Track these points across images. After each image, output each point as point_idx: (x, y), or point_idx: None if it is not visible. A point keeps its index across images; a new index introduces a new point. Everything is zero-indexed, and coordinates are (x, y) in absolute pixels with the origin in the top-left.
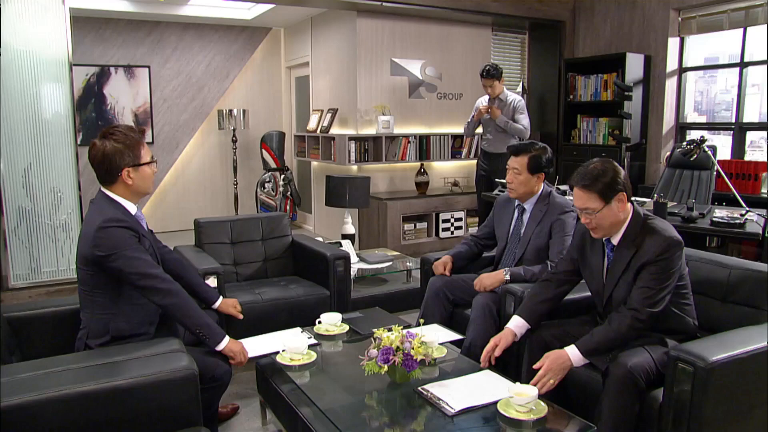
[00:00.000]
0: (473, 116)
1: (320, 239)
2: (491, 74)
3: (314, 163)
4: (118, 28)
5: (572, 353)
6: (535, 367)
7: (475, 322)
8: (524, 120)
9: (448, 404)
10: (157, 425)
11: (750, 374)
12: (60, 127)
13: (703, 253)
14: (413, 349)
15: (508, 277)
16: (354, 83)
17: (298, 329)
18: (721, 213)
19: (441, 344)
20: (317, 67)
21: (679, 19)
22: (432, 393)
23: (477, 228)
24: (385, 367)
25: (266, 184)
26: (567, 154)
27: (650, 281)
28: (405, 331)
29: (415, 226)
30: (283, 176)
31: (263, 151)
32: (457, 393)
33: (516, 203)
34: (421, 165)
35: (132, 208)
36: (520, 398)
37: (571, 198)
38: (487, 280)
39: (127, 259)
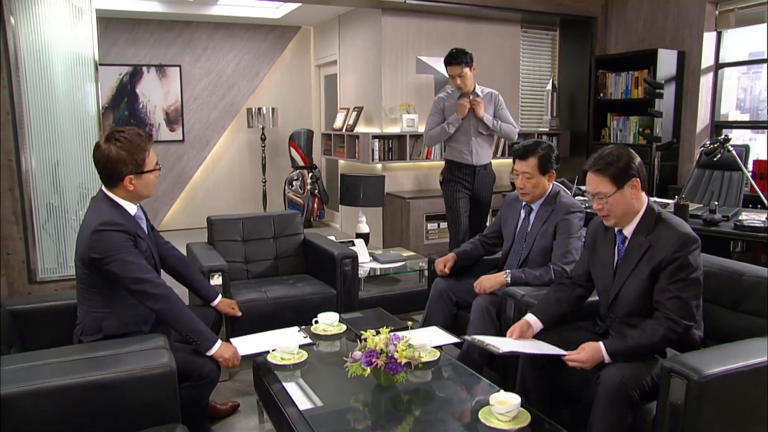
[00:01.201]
0: (449, 123)
1: (332, 238)
2: (459, 59)
3: (341, 162)
4: (150, 29)
5: (604, 350)
6: (571, 356)
7: (474, 324)
8: (511, 118)
9: (494, 346)
10: (135, 420)
11: (751, 389)
12: (87, 126)
13: (713, 258)
14: (397, 352)
15: (508, 279)
16: (379, 81)
17: (296, 328)
18: (746, 216)
19: (437, 347)
20: (344, 65)
21: (716, 12)
22: (478, 338)
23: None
24: (368, 370)
25: (294, 182)
26: None
27: (678, 289)
28: (391, 333)
29: (438, 226)
30: (310, 174)
31: (291, 149)
32: (506, 342)
33: (523, 203)
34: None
35: (132, 209)
36: (501, 407)
37: (583, 199)
38: (486, 282)
39: (121, 263)
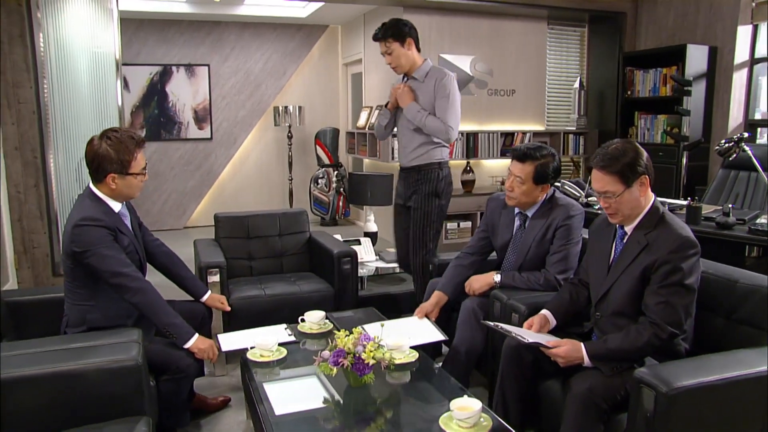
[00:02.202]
0: (380, 114)
1: (339, 236)
2: (383, 32)
3: (366, 160)
4: (180, 29)
5: (584, 352)
6: (551, 343)
7: (461, 327)
8: (450, 112)
9: (521, 336)
10: (102, 410)
11: (725, 404)
12: (110, 123)
13: (708, 263)
14: (365, 353)
15: (497, 279)
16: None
17: (283, 326)
18: (765, 220)
19: (417, 347)
20: (369, 63)
21: (753, 4)
22: (502, 326)
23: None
24: (335, 370)
25: (319, 180)
26: None
27: (668, 294)
28: (362, 334)
29: (458, 225)
30: (336, 172)
31: (317, 147)
32: (529, 333)
33: (516, 210)
34: (467, 163)
35: (116, 206)
36: (461, 413)
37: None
38: (476, 283)
39: (99, 256)
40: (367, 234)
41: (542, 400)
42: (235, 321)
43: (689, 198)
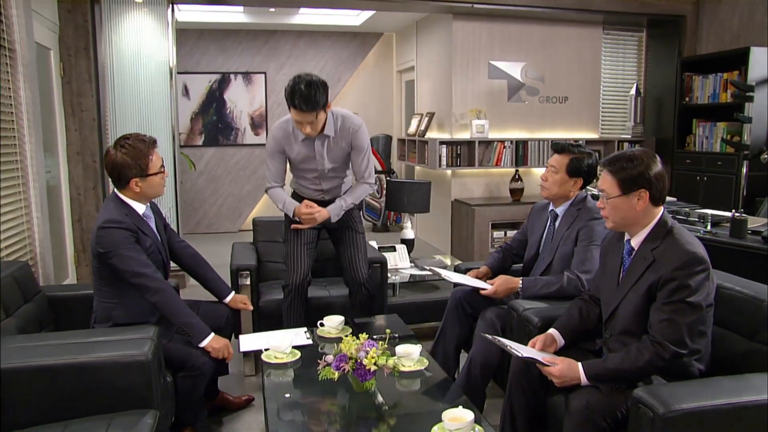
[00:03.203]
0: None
1: (374, 243)
2: (313, 104)
3: (416, 168)
4: (238, 38)
5: (582, 372)
6: (547, 360)
7: (478, 338)
8: (369, 166)
9: (516, 350)
10: (112, 402)
11: (728, 430)
12: (162, 131)
13: (735, 279)
14: (366, 358)
15: (521, 285)
16: (449, 87)
17: (303, 329)
18: None
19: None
20: (421, 71)
21: None
22: (500, 340)
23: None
24: (336, 374)
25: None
26: (680, 162)
27: (671, 311)
28: (366, 340)
29: (505, 234)
30: (387, 179)
31: None
32: (526, 349)
33: (549, 209)
34: (516, 171)
35: (140, 208)
36: (452, 423)
37: None
38: (500, 288)
39: (121, 257)
40: (403, 241)
41: (549, 415)
42: (265, 323)
43: (733, 210)
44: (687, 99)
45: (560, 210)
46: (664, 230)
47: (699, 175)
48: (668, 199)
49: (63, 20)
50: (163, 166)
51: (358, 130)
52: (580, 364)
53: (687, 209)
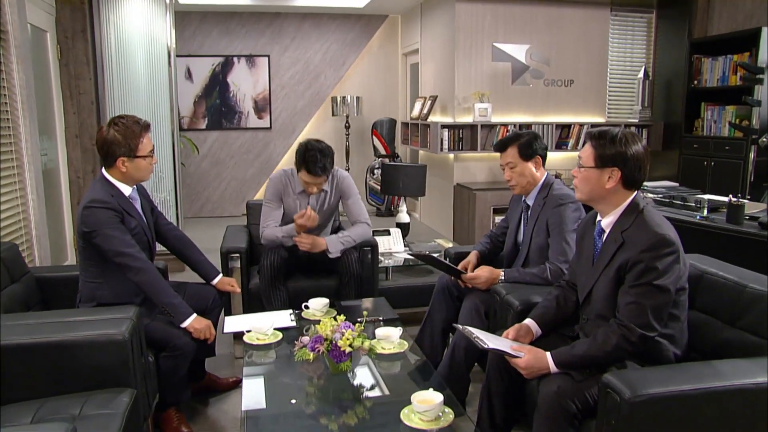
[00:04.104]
0: (285, 236)
1: None
2: (327, 170)
3: (420, 152)
4: (242, 21)
5: (550, 361)
6: (515, 351)
7: (462, 321)
8: (362, 208)
9: (482, 340)
10: (90, 381)
11: (702, 417)
12: (162, 113)
13: (720, 264)
14: (341, 340)
15: (502, 278)
16: (452, 70)
17: (288, 311)
18: None
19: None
20: (425, 53)
21: None
22: (468, 329)
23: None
24: (311, 355)
25: (375, 171)
26: (687, 147)
27: (637, 294)
28: (343, 322)
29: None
30: (382, 162)
31: (374, 137)
32: (493, 339)
33: (522, 199)
34: None
35: (126, 190)
36: (421, 405)
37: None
38: (482, 279)
39: (105, 237)
40: (399, 225)
41: (528, 400)
42: (255, 306)
43: (730, 195)
44: (696, 82)
45: (530, 200)
46: (634, 213)
47: (706, 160)
48: (670, 184)
49: (59, 2)
50: (152, 151)
51: (346, 178)
52: (548, 353)
53: (684, 194)
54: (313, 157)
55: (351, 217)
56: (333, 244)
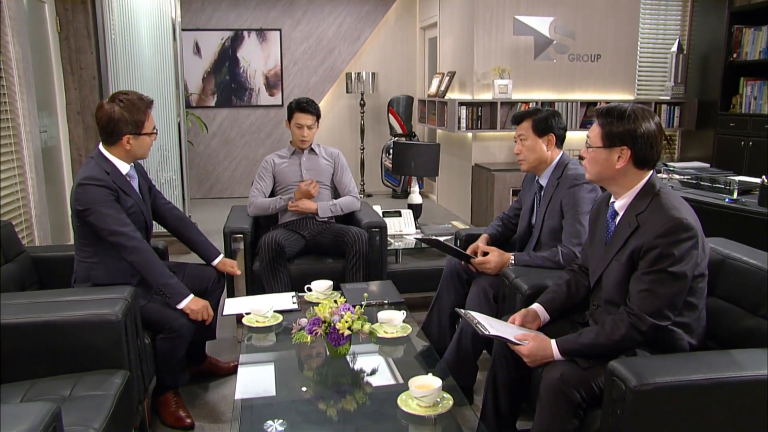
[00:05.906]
0: (281, 198)
1: (378, 208)
2: (314, 108)
3: (438, 131)
4: None
5: (555, 349)
6: (518, 337)
7: (469, 305)
8: (353, 182)
9: (484, 326)
10: (83, 361)
11: (712, 408)
12: (167, 90)
13: (744, 249)
14: (339, 323)
15: (512, 262)
16: (471, 44)
17: (291, 294)
18: None
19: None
20: (443, 27)
21: None
22: (470, 314)
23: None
24: (309, 338)
25: (391, 150)
26: (724, 126)
27: (651, 281)
28: (342, 304)
29: None
30: (393, 141)
31: (390, 115)
32: (498, 325)
33: (536, 179)
34: None
35: (124, 167)
36: (418, 391)
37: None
38: (492, 264)
39: (99, 215)
40: (411, 206)
41: (534, 388)
42: (258, 288)
43: (763, 176)
44: (735, 55)
45: (543, 180)
46: (651, 193)
47: (744, 139)
48: (700, 164)
49: None
50: (155, 128)
51: (342, 156)
52: (553, 341)
53: (714, 176)
54: (303, 99)
55: (342, 190)
56: (323, 209)
